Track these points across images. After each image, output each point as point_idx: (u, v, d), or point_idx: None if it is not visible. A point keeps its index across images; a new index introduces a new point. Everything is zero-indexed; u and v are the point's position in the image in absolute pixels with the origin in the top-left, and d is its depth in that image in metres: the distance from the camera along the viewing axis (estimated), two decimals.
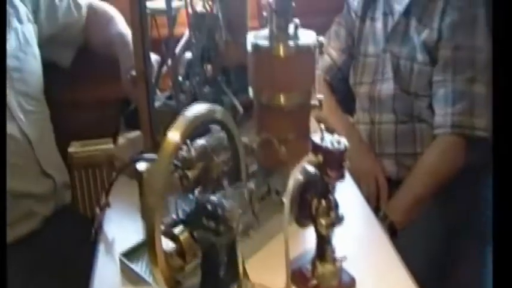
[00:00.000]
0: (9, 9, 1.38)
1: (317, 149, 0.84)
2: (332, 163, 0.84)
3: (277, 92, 0.99)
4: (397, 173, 1.64)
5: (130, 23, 1.10)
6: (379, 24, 1.66)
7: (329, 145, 0.84)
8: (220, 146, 0.86)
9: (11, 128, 1.33)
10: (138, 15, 1.08)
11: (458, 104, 1.50)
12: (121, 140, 1.36)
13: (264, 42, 0.99)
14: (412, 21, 1.57)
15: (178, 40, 1.27)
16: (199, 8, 1.21)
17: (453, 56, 1.51)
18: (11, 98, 1.35)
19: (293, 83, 1.00)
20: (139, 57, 1.11)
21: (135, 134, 1.32)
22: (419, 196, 1.52)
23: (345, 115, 1.76)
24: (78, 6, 1.57)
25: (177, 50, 1.25)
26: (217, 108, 0.76)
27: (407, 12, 1.58)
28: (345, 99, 1.78)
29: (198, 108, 0.73)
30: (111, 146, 1.68)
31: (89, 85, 1.76)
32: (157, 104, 1.18)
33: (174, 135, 0.69)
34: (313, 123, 1.12)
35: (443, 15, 1.52)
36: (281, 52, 0.97)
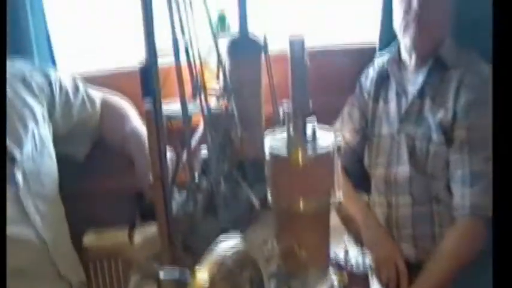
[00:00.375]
0: (26, 112, 1.39)
1: (341, 267, 0.82)
2: (357, 281, 0.82)
3: (296, 198, 0.98)
4: (415, 256, 1.61)
5: (146, 130, 1.08)
6: (392, 105, 1.66)
7: (353, 261, 0.82)
8: (245, 258, 0.85)
9: (28, 233, 1.31)
10: (154, 123, 1.07)
11: (476, 184, 1.47)
12: (137, 237, 1.34)
13: (282, 149, 0.98)
14: (426, 101, 1.56)
15: (193, 133, 1.26)
16: (213, 104, 1.22)
17: (469, 136, 1.49)
18: (29, 202, 1.33)
19: (312, 189, 0.98)
20: (155, 163, 1.10)
21: (151, 231, 1.31)
22: (441, 281, 1.47)
23: (361, 199, 1.74)
24: (92, 102, 1.59)
25: (192, 144, 1.24)
26: (244, 246, 0.75)
27: (421, 93, 1.57)
28: (360, 179, 1.76)
29: (226, 246, 0.72)
30: (126, 238, 1.67)
31: (102, 175, 1.75)
32: (174, 208, 1.17)
33: (203, 276, 0.67)
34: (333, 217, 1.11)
35: (457, 95, 1.50)
36: (299, 160, 0.96)
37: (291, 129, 1.00)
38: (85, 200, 1.69)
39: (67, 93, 1.54)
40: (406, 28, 1.54)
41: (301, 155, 0.96)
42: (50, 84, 1.50)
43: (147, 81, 1.07)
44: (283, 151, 0.98)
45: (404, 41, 1.58)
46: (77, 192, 1.62)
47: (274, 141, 1.02)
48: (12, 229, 1.28)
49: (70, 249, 1.48)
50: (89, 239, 1.71)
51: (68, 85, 1.55)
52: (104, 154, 1.65)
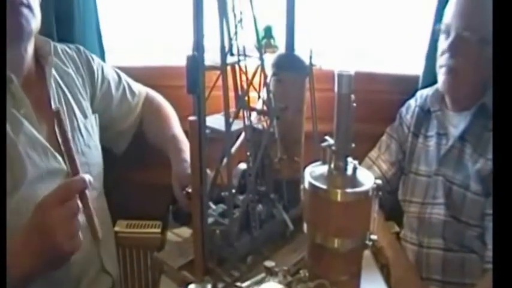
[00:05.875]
0: (74, 106, 1.40)
1: None
2: None
3: (331, 235, 1.00)
4: None
5: (189, 144, 1.11)
6: (432, 144, 1.61)
7: None
8: None
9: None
10: (197, 138, 1.10)
11: None
12: (170, 237, 1.39)
13: (322, 185, 1.00)
14: (466, 148, 1.51)
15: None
16: (254, 119, 1.23)
17: None
18: None
19: (348, 229, 1.00)
20: (196, 176, 1.12)
21: (183, 238, 1.35)
22: None
23: (391, 231, 1.71)
24: (133, 95, 1.60)
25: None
26: None
27: (462, 138, 1.52)
28: (392, 210, 1.73)
29: None
30: (157, 231, 1.71)
31: (138, 168, 1.79)
32: (210, 220, 1.20)
33: None
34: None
35: None
36: (338, 197, 0.98)
37: (332, 166, 1.02)
38: (118, 191, 1.72)
39: (109, 84, 1.54)
40: (440, 69, 1.52)
41: (340, 193, 0.98)
42: (92, 73, 1.50)
43: (192, 82, 1.07)
44: (323, 187, 1.00)
45: (439, 82, 1.54)
46: (112, 183, 1.65)
47: (315, 174, 1.04)
48: None
49: (113, 244, 1.52)
50: (120, 226, 1.75)
51: (111, 77, 1.56)
52: (141, 147, 1.65)
